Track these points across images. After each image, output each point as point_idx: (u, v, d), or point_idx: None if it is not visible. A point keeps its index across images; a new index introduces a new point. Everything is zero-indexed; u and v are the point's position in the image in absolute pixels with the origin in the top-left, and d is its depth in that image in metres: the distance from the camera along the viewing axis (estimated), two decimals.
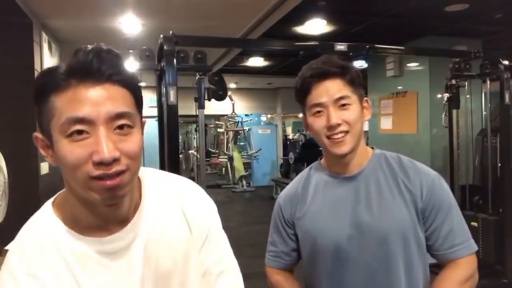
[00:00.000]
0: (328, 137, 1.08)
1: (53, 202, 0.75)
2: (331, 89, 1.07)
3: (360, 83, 1.12)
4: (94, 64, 0.62)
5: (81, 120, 0.61)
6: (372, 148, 1.20)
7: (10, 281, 0.66)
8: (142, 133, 0.71)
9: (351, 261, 1.07)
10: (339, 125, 1.05)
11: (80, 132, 0.62)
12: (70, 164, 0.62)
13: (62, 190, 0.76)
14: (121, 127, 0.64)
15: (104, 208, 0.69)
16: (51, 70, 0.65)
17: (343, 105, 1.07)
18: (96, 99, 0.62)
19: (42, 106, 0.65)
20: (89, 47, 0.64)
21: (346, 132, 1.06)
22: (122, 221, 0.73)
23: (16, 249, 0.70)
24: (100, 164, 0.61)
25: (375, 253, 1.06)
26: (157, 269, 0.75)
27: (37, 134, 0.68)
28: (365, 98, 1.14)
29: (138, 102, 0.69)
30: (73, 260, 0.69)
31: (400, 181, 1.09)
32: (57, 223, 0.71)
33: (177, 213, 0.80)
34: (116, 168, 0.63)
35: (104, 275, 0.70)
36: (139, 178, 0.78)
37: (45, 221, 0.71)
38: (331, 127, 1.06)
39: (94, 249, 0.70)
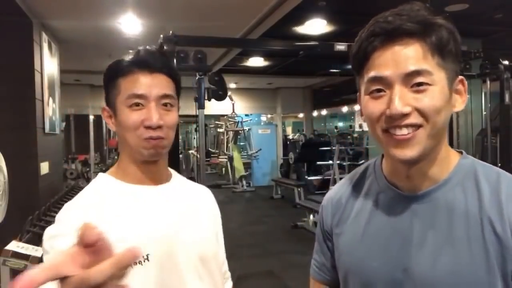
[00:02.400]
0: (387, 131, 0.69)
1: (105, 171, 0.98)
2: (403, 57, 0.67)
3: (454, 52, 0.69)
4: (150, 60, 0.89)
5: (139, 96, 0.86)
6: (461, 153, 0.78)
7: (55, 229, 0.83)
8: (178, 111, 0.96)
9: None
10: (406, 115, 0.66)
11: (137, 104, 0.87)
12: (129, 125, 0.87)
13: (114, 165, 0.99)
14: (165, 104, 0.89)
15: (147, 164, 0.92)
16: (119, 62, 0.90)
17: (419, 84, 0.67)
18: (150, 83, 0.87)
19: (111, 86, 0.89)
20: (148, 48, 0.94)
21: (418, 126, 0.67)
22: (158, 182, 0.96)
23: (69, 203, 0.88)
24: (149, 127, 0.86)
25: None
26: (187, 211, 0.96)
27: (105, 107, 0.92)
28: (460, 78, 0.72)
29: (178, 89, 0.95)
30: (116, 195, 0.89)
31: (485, 219, 0.67)
32: (109, 177, 0.94)
33: (203, 194, 1.08)
34: (159, 133, 0.87)
35: (136, 207, 0.89)
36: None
37: (99, 179, 0.95)
38: (392, 117, 0.67)
39: (132, 190, 0.91)
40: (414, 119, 0.67)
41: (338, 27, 5.23)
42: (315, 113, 12.59)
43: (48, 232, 0.82)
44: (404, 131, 0.67)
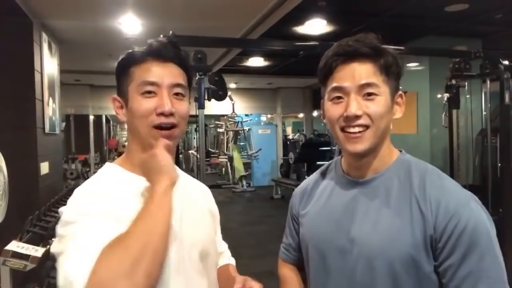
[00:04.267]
0: (343, 130, 0.91)
1: (111, 161, 0.99)
2: (358, 73, 0.89)
3: (396, 73, 0.92)
4: (162, 49, 0.91)
5: (151, 83, 0.88)
6: (401, 151, 1.00)
7: (72, 211, 0.81)
8: (189, 104, 0.98)
9: (336, 279, 0.94)
10: (358, 117, 0.88)
11: (149, 91, 0.88)
12: (141, 113, 0.87)
13: (123, 154, 1.00)
14: (177, 94, 0.91)
15: None
16: (133, 52, 0.92)
17: (369, 94, 0.89)
18: (163, 71, 0.89)
19: (124, 74, 0.90)
20: (161, 38, 0.93)
21: (366, 127, 0.89)
22: None
23: (79, 191, 0.88)
24: (161, 114, 0.87)
25: (362, 278, 0.89)
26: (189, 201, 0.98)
27: (115, 97, 0.93)
28: (400, 93, 0.95)
29: (189, 80, 0.98)
30: (122, 185, 0.89)
31: (413, 197, 0.87)
32: (116, 167, 0.95)
33: (203, 192, 1.10)
34: (171, 120, 0.88)
35: (140, 201, 0.85)
36: None
37: (106, 168, 0.95)
38: (348, 118, 0.89)
39: (137, 182, 0.89)
40: (364, 120, 0.88)
41: (338, 27, 5.23)
42: (315, 113, 12.58)
43: (76, 210, 0.80)
44: (356, 129, 0.89)
